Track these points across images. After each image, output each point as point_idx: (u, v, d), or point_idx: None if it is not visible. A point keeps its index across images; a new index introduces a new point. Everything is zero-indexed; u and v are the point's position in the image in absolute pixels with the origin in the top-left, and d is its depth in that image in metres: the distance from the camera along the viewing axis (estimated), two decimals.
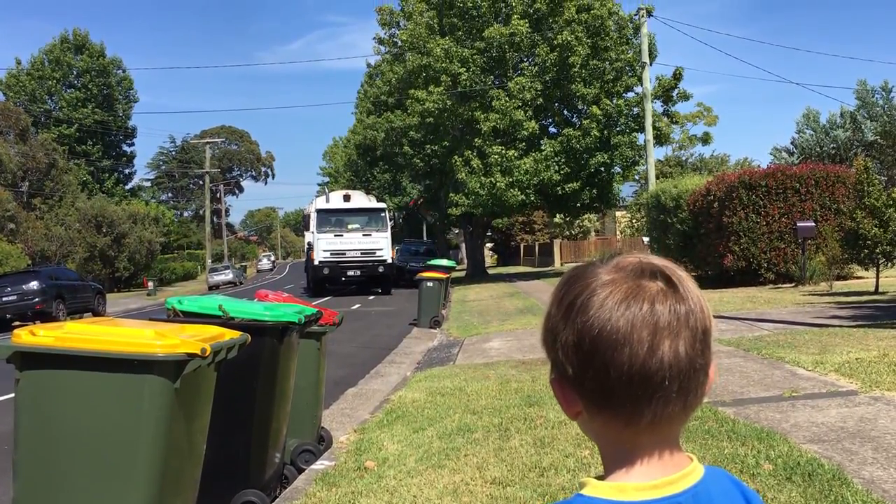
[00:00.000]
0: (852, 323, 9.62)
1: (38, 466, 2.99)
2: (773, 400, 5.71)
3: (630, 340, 0.82)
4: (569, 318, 0.86)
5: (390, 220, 28.84)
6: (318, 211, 28.03)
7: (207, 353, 3.01)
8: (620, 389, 0.83)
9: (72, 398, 2.96)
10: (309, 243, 28.91)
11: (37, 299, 22.96)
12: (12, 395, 3.11)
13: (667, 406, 0.83)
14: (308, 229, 29.19)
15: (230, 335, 3.45)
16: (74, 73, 60.15)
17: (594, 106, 28.00)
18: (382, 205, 30.12)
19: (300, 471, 5.14)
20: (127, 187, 65.72)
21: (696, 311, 0.85)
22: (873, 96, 34.46)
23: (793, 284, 16.30)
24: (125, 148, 65.79)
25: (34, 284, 23.24)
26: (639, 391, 0.82)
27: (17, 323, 22.45)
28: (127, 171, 66.30)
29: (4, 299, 22.84)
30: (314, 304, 6.63)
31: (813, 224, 16.06)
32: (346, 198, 29.42)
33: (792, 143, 37.53)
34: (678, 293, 0.85)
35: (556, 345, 0.87)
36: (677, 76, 29.49)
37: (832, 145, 34.93)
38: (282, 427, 4.72)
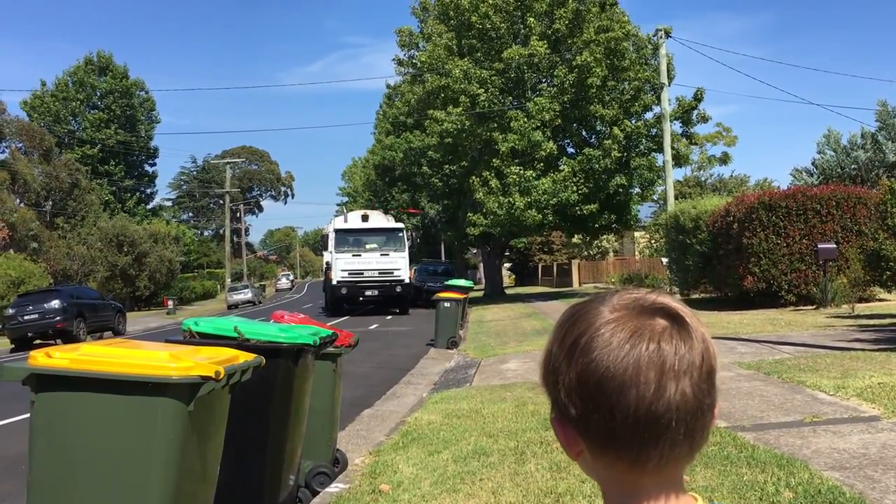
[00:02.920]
0: (875, 346, 9.49)
1: (52, 488, 2.99)
2: (794, 425, 5.62)
3: (636, 382, 0.80)
4: (572, 358, 0.84)
5: (408, 241, 28.92)
6: (337, 231, 28.18)
7: (221, 375, 3.01)
8: (626, 432, 0.81)
9: (86, 420, 2.96)
10: (327, 263, 29.06)
11: (58, 318, 23.16)
12: (27, 415, 3.12)
13: (673, 449, 0.82)
14: (326, 249, 29.35)
15: (244, 357, 3.45)
16: (98, 94, 61.11)
17: (615, 127, 27.98)
18: (400, 225, 30.23)
19: (315, 493, 5.11)
20: (148, 207, 66.46)
21: (702, 349, 0.83)
22: (894, 117, 34.18)
23: (814, 307, 16.12)
24: (147, 168, 66.65)
25: (56, 303, 23.45)
26: (645, 434, 0.80)
27: (38, 341, 22.66)
28: (148, 190, 67.10)
29: (26, 318, 23.07)
30: (332, 323, 6.63)
31: (834, 246, 15.90)
32: (365, 218, 29.57)
33: (812, 163, 37.25)
34: (684, 331, 0.84)
35: (557, 385, 0.85)
36: (698, 97, 29.43)
37: (853, 166, 34.63)
38: (296, 449, 4.71)
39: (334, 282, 27.15)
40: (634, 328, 0.83)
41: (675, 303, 0.87)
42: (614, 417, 0.80)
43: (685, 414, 0.81)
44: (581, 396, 0.82)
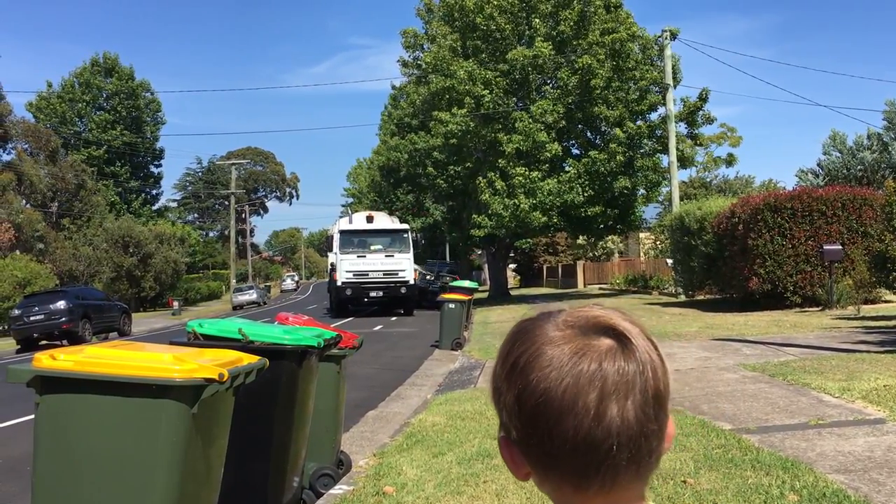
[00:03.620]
0: (880, 349, 9.45)
1: (56, 489, 3.00)
2: (799, 428, 5.61)
3: (574, 407, 0.76)
4: (511, 379, 0.81)
5: (413, 242, 28.89)
6: (341, 232, 28.19)
7: (225, 378, 3.02)
8: (565, 457, 0.77)
9: (90, 422, 2.97)
10: (332, 264, 29.04)
11: (63, 319, 23.23)
12: (31, 416, 3.13)
13: (617, 474, 0.78)
14: (331, 250, 29.34)
15: (248, 360, 3.46)
16: (104, 95, 61.28)
17: (617, 128, 27.92)
18: (405, 226, 30.21)
19: (318, 495, 5.11)
20: (154, 208, 66.61)
21: (647, 370, 0.79)
22: None
23: (819, 308, 16.08)
24: (153, 169, 66.80)
25: (61, 304, 23.52)
26: (585, 460, 0.77)
27: (44, 342, 22.73)
28: (154, 191, 67.25)
29: (32, 318, 23.14)
30: (336, 325, 6.67)
31: (840, 247, 15.86)
32: (369, 219, 29.55)
33: (818, 164, 37.17)
34: (629, 351, 0.79)
35: (500, 405, 0.83)
36: (703, 98, 29.37)
37: (859, 167, 34.54)
38: (300, 451, 4.71)
39: (339, 283, 27.13)
40: (577, 348, 0.79)
41: (623, 321, 0.82)
42: (553, 442, 0.77)
43: (627, 440, 0.77)
44: (520, 419, 0.79)
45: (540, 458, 0.79)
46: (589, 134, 31.41)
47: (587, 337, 0.79)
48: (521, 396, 0.79)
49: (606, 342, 0.79)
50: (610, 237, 42.20)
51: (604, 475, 0.77)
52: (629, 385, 0.77)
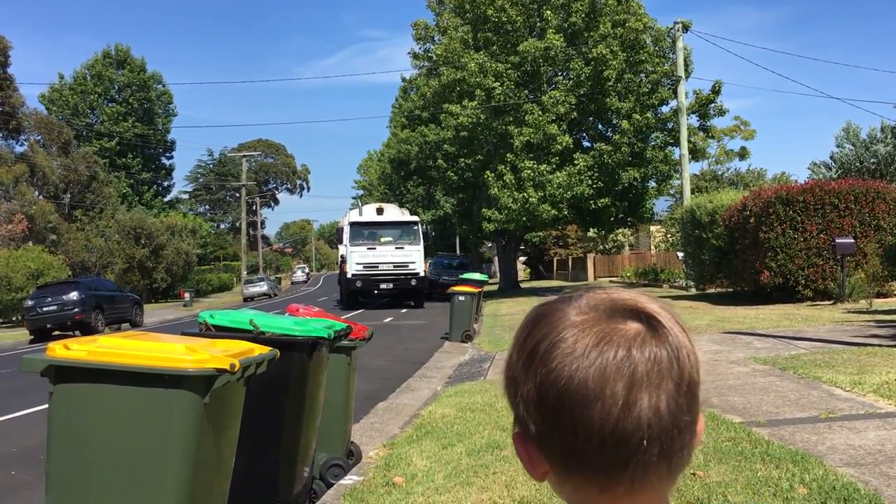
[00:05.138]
0: (892, 342, 9.41)
1: (69, 478, 3.03)
2: (809, 421, 5.60)
3: (601, 395, 0.70)
4: (530, 368, 0.74)
5: (423, 234, 28.85)
6: (352, 224, 28.16)
7: (237, 368, 3.04)
8: (592, 453, 0.70)
9: (103, 411, 3.00)
10: (342, 256, 29.05)
11: (76, 309, 23.37)
12: (45, 406, 3.16)
13: (647, 471, 0.71)
14: (341, 242, 29.34)
15: (259, 350, 3.48)
16: (116, 87, 61.47)
17: (625, 121, 27.80)
18: (415, 218, 30.18)
19: (329, 486, 5.14)
20: (165, 199, 66.86)
21: (681, 357, 0.73)
22: None
23: (831, 302, 16.00)
24: (164, 161, 67.02)
25: (74, 295, 23.66)
26: (613, 455, 0.70)
27: (56, 333, 22.89)
28: (166, 183, 67.46)
29: (45, 309, 23.29)
30: (346, 317, 6.69)
31: (852, 240, 15.77)
32: (380, 211, 29.49)
33: (831, 157, 36.92)
34: (660, 337, 0.73)
35: (516, 397, 0.75)
36: (716, 90, 29.20)
37: (872, 160, 34.29)
38: (311, 442, 4.74)
39: (349, 275, 27.13)
40: (602, 333, 0.72)
41: (652, 303, 0.76)
42: (577, 436, 0.70)
43: (659, 432, 0.71)
44: (540, 411, 0.72)
45: (562, 455, 0.73)
46: (600, 126, 31.31)
47: (613, 321, 0.74)
48: (542, 386, 0.72)
49: (634, 326, 0.73)
50: (620, 230, 42.10)
51: (633, 472, 0.71)
52: (661, 373, 0.71)
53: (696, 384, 0.75)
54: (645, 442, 0.70)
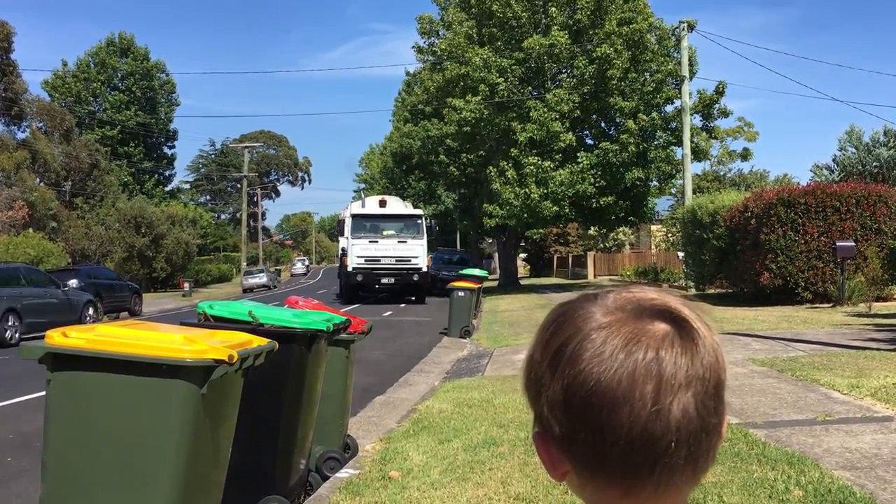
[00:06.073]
0: (891, 346, 9.41)
1: (65, 466, 3.03)
2: (806, 423, 5.60)
3: (630, 398, 0.69)
4: (556, 369, 0.73)
5: (427, 228, 28.55)
6: (354, 216, 27.76)
7: (235, 359, 3.04)
8: (617, 456, 0.70)
9: (100, 400, 3.00)
10: (343, 249, 28.75)
11: None
12: (42, 393, 3.16)
13: (673, 475, 0.71)
14: (342, 234, 29.03)
15: (258, 342, 3.48)
16: (119, 75, 61.36)
17: (630, 120, 27.77)
18: (419, 211, 29.90)
19: (325, 478, 5.15)
20: (166, 189, 66.76)
21: (710, 360, 0.72)
22: None
23: (830, 305, 16.00)
24: (166, 150, 66.90)
25: (73, 283, 23.64)
26: (640, 458, 0.69)
27: None
28: (167, 173, 67.35)
29: None
30: (345, 310, 6.67)
31: (853, 244, 15.76)
32: (383, 203, 29.09)
33: (833, 160, 36.91)
34: (688, 338, 0.72)
35: (540, 397, 0.74)
36: (720, 91, 29.16)
37: (875, 164, 34.27)
38: (308, 434, 4.74)
39: (350, 268, 26.66)
40: (630, 334, 0.71)
41: (679, 304, 0.75)
42: (604, 438, 0.69)
43: (687, 434, 0.70)
44: (566, 413, 0.71)
45: (586, 458, 0.71)
46: (603, 124, 31.28)
47: (641, 321, 0.72)
48: (569, 388, 0.71)
49: (662, 327, 0.72)
50: (621, 229, 42.10)
51: (658, 476, 0.70)
52: (690, 375, 0.70)
53: (723, 385, 0.74)
54: (673, 445, 0.69)
